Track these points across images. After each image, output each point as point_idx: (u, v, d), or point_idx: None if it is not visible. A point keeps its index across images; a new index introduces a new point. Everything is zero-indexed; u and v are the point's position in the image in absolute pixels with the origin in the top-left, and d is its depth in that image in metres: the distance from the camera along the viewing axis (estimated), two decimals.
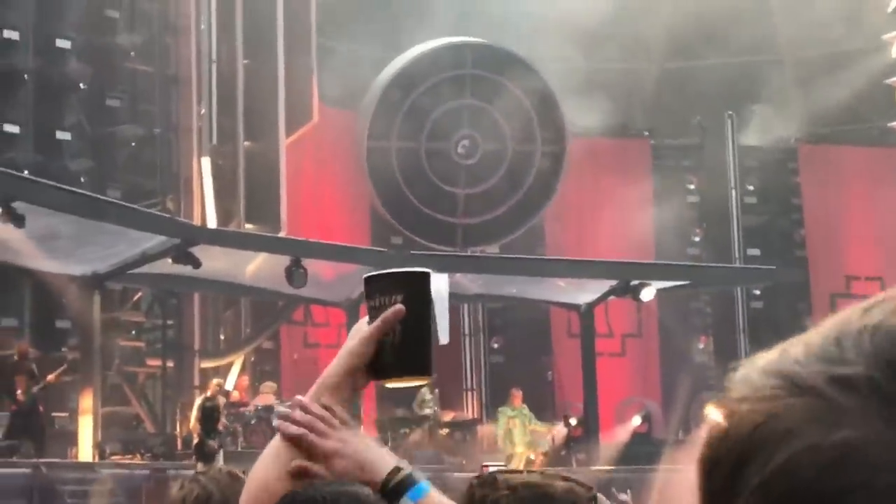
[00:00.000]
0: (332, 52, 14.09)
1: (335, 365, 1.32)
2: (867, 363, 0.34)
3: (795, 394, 0.35)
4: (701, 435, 0.38)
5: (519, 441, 12.38)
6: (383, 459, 1.28)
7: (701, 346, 15.40)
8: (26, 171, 12.46)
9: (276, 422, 1.49)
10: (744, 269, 15.78)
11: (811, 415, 0.34)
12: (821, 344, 0.36)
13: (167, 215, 13.41)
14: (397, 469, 1.25)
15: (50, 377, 12.31)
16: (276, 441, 1.35)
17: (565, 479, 1.47)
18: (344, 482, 1.33)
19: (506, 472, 1.77)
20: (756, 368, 0.37)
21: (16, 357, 12.44)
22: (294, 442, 1.28)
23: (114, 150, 13.33)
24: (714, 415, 0.37)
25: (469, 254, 14.38)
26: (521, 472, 2.07)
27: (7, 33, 12.73)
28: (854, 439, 0.32)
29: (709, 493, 0.37)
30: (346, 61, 14.36)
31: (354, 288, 12.84)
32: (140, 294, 14.01)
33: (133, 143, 13.42)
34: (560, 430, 12.78)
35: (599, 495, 1.52)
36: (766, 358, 0.37)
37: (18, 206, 10.89)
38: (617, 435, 13.60)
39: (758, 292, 15.40)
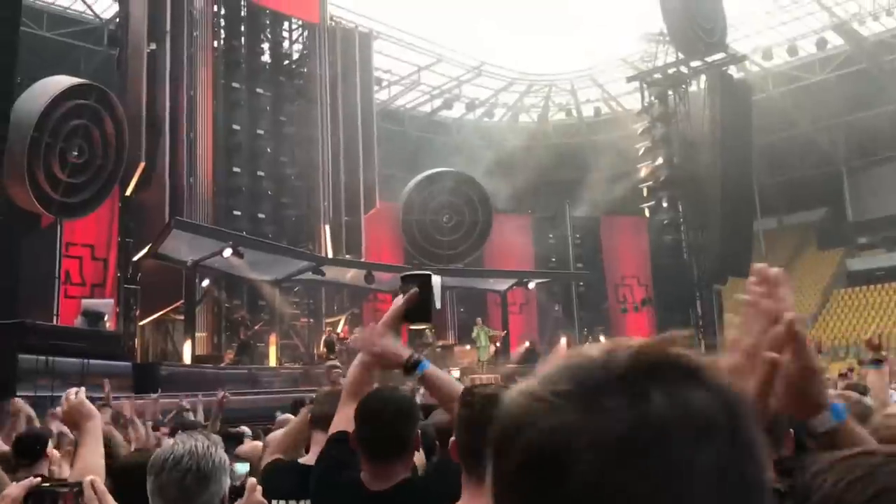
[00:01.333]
0: (384, 174, 28.51)
1: (387, 316, 2.33)
2: (570, 387, 0.57)
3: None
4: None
5: (484, 342, 26.09)
6: (406, 351, 2.30)
7: (556, 308, 30.40)
8: (244, 232, 21.39)
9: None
10: (574, 273, 30.88)
11: (540, 409, 0.57)
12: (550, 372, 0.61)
13: (309, 252, 26.11)
14: (412, 355, 2.27)
15: (256, 327, 25.29)
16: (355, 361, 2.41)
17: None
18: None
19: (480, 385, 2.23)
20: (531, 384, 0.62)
21: (240, 318, 21.20)
22: (364, 346, 2.33)
23: (284, 221, 27.13)
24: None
25: (450, 266, 28.93)
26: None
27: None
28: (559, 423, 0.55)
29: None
30: (389, 177, 28.88)
31: (396, 283, 27.33)
32: (297, 288, 24.92)
33: (293, 218, 27.26)
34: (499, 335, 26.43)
35: None
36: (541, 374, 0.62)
37: (242, 249, 18.88)
38: (517, 351, 28.23)
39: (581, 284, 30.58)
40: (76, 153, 18.43)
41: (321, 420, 3.10)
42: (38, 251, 18.74)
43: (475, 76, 33.87)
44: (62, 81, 18.14)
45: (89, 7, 24.70)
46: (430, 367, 2.35)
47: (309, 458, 3.21)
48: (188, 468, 1.98)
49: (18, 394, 10.61)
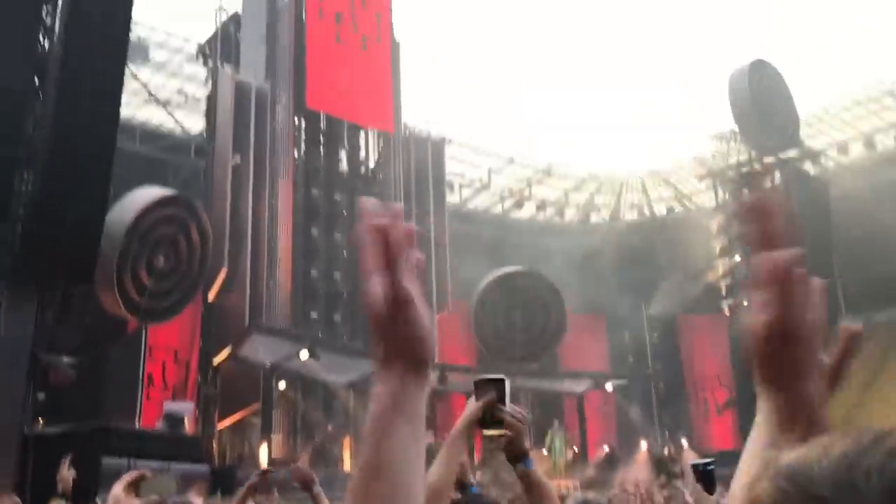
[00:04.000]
0: (459, 277, 28.89)
1: (460, 421, 2.24)
2: (875, 498, 0.39)
3: None
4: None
5: (560, 447, 25.43)
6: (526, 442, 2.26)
7: (635, 411, 29.50)
8: (320, 334, 23.34)
9: None
10: (652, 374, 30.14)
11: None
12: (835, 471, 0.41)
13: None
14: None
15: (330, 429, 26.25)
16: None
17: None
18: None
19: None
20: (782, 474, 0.44)
21: (316, 422, 26.36)
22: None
23: (359, 323, 27.52)
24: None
25: (524, 368, 28.56)
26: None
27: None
28: None
29: None
30: (461, 278, 29.21)
31: (469, 384, 27.29)
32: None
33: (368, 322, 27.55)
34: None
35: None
36: (788, 465, 0.45)
37: (318, 351, 20.14)
38: (596, 457, 27.46)
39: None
40: (163, 261, 19.22)
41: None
42: (123, 355, 19.36)
43: (544, 177, 34.35)
44: (152, 193, 19.14)
45: (178, 123, 26.24)
46: (535, 466, 2.35)
47: None
48: None
49: (99, 497, 10.79)
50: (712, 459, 2.70)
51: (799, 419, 0.78)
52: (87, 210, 14.54)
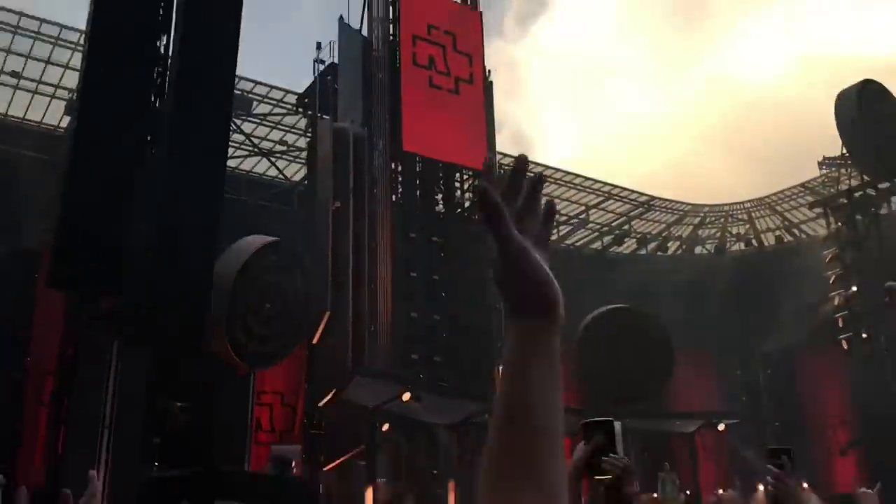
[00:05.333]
0: None
1: (570, 466, 2.16)
2: None
3: None
4: None
5: (671, 491, 24.60)
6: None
7: (751, 453, 28.21)
8: (420, 375, 26.56)
9: None
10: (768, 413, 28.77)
11: None
12: None
13: (484, 393, 27.58)
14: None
15: (434, 472, 26.23)
16: None
17: None
18: None
19: None
20: None
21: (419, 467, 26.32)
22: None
23: (460, 364, 27.58)
24: None
25: (633, 408, 27.82)
26: None
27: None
28: None
29: None
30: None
31: (573, 425, 26.82)
32: (473, 432, 27.73)
33: (468, 362, 27.71)
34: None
35: None
36: None
37: (419, 393, 21.75)
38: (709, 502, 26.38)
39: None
40: (269, 306, 19.74)
41: None
42: (232, 401, 19.88)
43: (645, 211, 33.68)
44: (257, 241, 19.74)
45: (280, 171, 27.11)
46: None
47: None
48: None
49: None
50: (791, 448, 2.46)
51: None
52: (197, 258, 15.07)
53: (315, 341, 21.51)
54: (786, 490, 2.31)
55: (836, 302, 25.81)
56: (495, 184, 0.84)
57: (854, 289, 25.09)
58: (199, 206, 15.17)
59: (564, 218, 32.69)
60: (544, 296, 0.82)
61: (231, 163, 20.98)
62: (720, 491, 24.75)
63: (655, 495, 23.33)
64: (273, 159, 26.90)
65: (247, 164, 26.75)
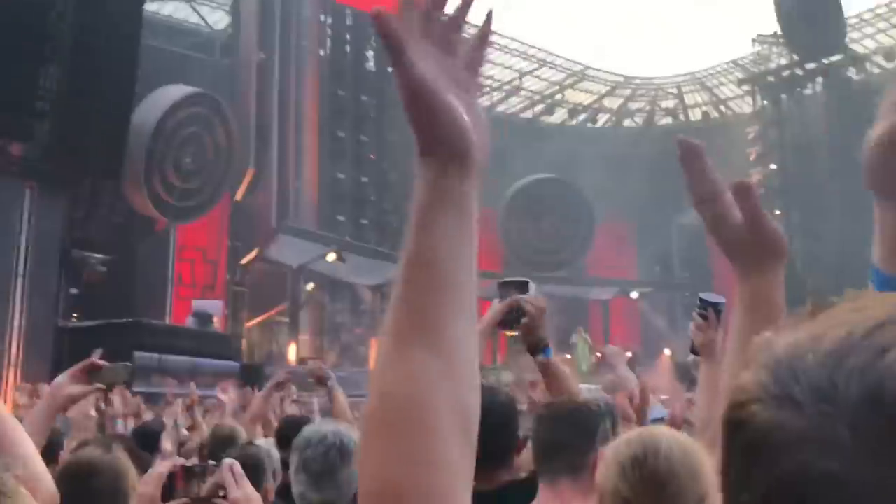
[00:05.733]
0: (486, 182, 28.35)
1: (483, 320, 2.28)
2: (854, 406, 0.38)
3: (797, 412, 0.40)
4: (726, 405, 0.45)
5: (584, 352, 25.88)
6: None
7: (661, 320, 29.70)
8: (348, 237, 26.34)
9: None
10: (679, 283, 30.18)
11: (807, 437, 0.39)
12: (818, 375, 0.40)
13: None
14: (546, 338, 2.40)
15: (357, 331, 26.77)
16: None
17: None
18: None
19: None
20: (769, 366, 0.43)
21: (342, 322, 26.78)
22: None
23: (386, 227, 27.56)
24: (738, 391, 0.44)
25: (550, 274, 28.73)
26: None
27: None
28: (839, 471, 0.38)
29: (728, 454, 0.44)
30: (488, 183, 28.74)
31: (493, 289, 27.62)
32: None
33: (395, 224, 27.74)
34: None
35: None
36: (778, 356, 0.43)
37: (345, 254, 20.85)
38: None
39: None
40: (189, 160, 19.18)
41: None
42: (153, 255, 19.58)
43: (578, 80, 33.45)
44: (177, 91, 18.91)
45: (203, 18, 25.67)
46: (554, 357, 2.40)
47: None
48: (332, 444, 2.15)
49: (134, 389, 11.04)
50: (724, 300, 2.52)
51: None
52: (112, 105, 14.40)
53: (238, 198, 21.14)
54: (706, 341, 2.38)
55: (754, 179, 26.57)
56: (406, 13, 0.74)
57: (773, 167, 25.81)
58: (114, 51, 14.33)
59: (497, 84, 32.24)
60: (459, 139, 0.73)
61: (150, 6, 19.69)
62: (627, 354, 26.05)
63: (569, 356, 24.50)
64: (195, 5, 25.38)
65: (167, 9, 25.17)
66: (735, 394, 0.46)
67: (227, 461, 1.89)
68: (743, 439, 0.44)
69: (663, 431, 1.58)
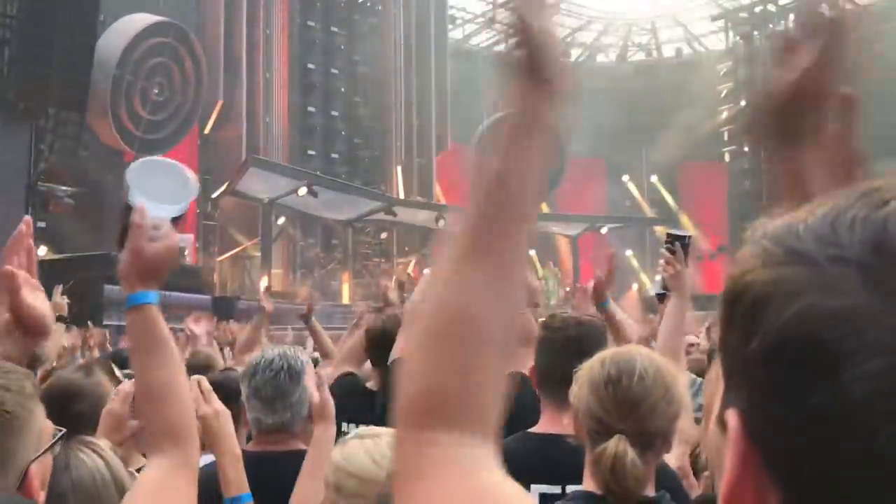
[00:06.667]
0: (459, 116, 28.38)
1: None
2: (860, 246, 0.40)
3: (801, 262, 0.41)
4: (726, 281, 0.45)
5: (552, 285, 26.36)
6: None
7: (628, 255, 30.17)
8: (319, 172, 26.35)
9: None
10: (647, 219, 30.54)
11: (812, 282, 0.40)
12: (819, 226, 0.42)
13: (381, 192, 27.69)
14: None
15: (329, 266, 26.84)
16: None
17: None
18: None
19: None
20: (767, 236, 0.44)
21: (314, 256, 26.71)
22: None
23: (357, 161, 27.38)
24: (735, 267, 0.44)
25: None
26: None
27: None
28: (848, 305, 0.39)
29: (728, 325, 0.44)
30: (462, 118, 28.73)
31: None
32: (369, 228, 28.03)
33: (366, 159, 27.51)
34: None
35: None
36: (774, 228, 0.44)
37: (316, 189, 20.30)
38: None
39: None
40: (156, 91, 18.81)
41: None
42: (122, 188, 19.28)
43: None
44: (143, 20, 18.41)
45: None
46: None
47: (373, 384, 3.06)
48: (280, 367, 2.13)
49: (105, 322, 11.06)
50: (690, 234, 2.63)
51: (797, 185, 0.77)
52: (76, 33, 14.02)
53: (207, 131, 20.85)
54: (674, 273, 2.46)
55: (724, 116, 26.69)
56: None
57: (743, 104, 25.92)
58: None
59: (471, 16, 31.76)
60: (559, 70, 0.75)
61: None
62: (591, 281, 26.33)
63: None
64: None
65: None
66: (734, 270, 0.47)
67: (195, 377, 1.89)
68: (746, 302, 0.44)
69: (639, 350, 1.60)
